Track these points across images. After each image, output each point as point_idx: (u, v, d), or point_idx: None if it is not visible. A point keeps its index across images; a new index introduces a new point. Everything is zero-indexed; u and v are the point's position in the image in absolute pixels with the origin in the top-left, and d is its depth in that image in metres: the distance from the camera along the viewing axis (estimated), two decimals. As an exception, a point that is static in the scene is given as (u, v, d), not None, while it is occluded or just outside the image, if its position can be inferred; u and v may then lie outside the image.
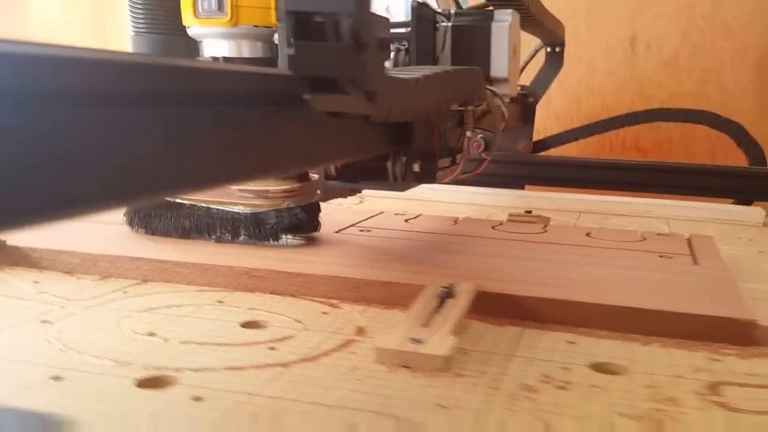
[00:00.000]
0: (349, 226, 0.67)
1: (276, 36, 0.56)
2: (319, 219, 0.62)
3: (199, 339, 0.41)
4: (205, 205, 0.61)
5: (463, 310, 0.42)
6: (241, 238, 0.59)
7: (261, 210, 0.59)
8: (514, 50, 0.57)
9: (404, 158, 0.52)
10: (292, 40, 0.31)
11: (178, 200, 0.62)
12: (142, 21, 0.62)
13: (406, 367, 0.37)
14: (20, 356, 0.38)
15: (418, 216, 0.75)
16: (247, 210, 0.59)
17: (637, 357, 0.40)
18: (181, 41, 0.59)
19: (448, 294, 0.44)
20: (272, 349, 0.40)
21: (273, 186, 0.59)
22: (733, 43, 1.17)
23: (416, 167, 0.52)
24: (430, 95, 0.41)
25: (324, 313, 0.47)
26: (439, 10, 0.57)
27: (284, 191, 0.59)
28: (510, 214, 0.75)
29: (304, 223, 0.59)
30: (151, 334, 0.42)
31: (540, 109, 1.14)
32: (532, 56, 1.14)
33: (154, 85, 0.24)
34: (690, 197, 1.00)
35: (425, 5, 0.57)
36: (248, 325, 0.44)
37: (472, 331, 0.44)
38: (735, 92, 1.18)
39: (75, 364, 0.37)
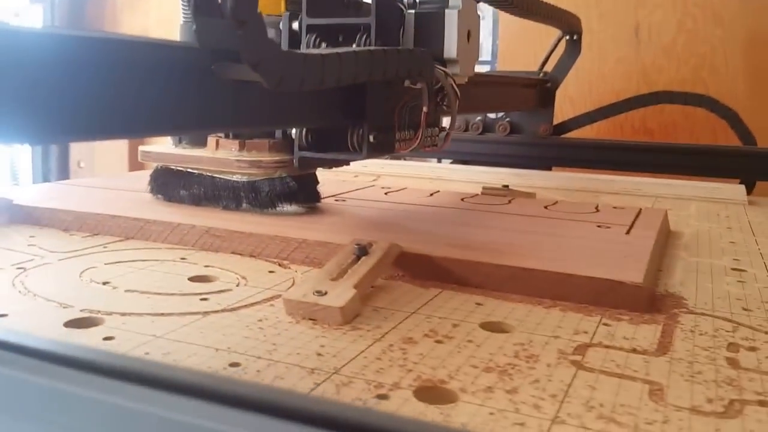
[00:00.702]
0: (329, 196, 0.68)
1: (281, 23, 0.58)
2: (318, 190, 0.63)
3: (145, 289, 0.43)
4: (210, 175, 0.63)
5: (372, 266, 0.43)
6: (244, 206, 0.61)
7: (256, 179, 0.61)
8: (468, 34, 0.58)
9: (361, 130, 0.54)
10: (195, 17, 0.33)
11: (189, 169, 0.64)
12: (188, 10, 0.65)
13: (312, 319, 0.39)
14: (-19, 297, 0.41)
15: (402, 189, 0.76)
16: (244, 179, 0.61)
17: (531, 318, 0.40)
18: None
19: (363, 251, 0.45)
20: (204, 300, 0.42)
21: (267, 156, 0.61)
22: (724, 29, 1.13)
23: (371, 138, 0.53)
24: (347, 69, 0.42)
25: (271, 271, 0.49)
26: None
27: (277, 162, 0.61)
28: (484, 188, 0.75)
29: (298, 192, 0.61)
30: (105, 283, 0.44)
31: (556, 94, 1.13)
32: (555, 45, 1.13)
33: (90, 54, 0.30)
34: (697, 177, 0.99)
35: None
36: (196, 279, 0.46)
37: (396, 291, 0.45)
38: (727, 76, 1.14)
39: (25, 305, 0.40)
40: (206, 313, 0.39)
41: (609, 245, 0.51)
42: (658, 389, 0.31)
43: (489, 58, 1.42)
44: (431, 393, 0.30)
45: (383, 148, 0.55)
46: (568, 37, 1.10)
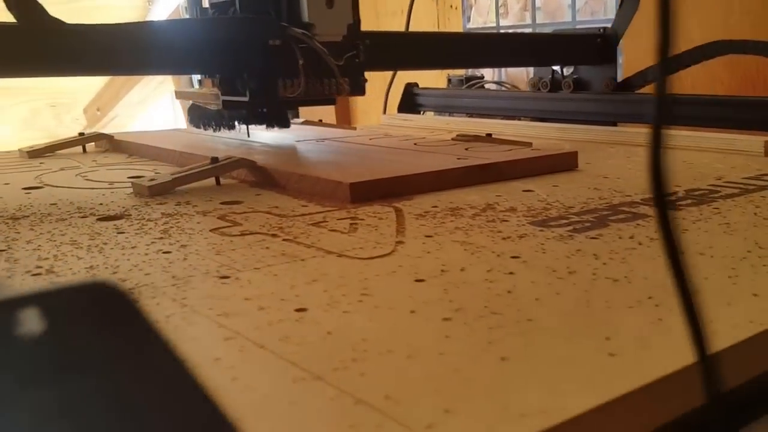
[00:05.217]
0: (313, 140, 0.90)
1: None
2: (287, 117, 0.84)
3: (97, 179, 0.71)
4: (205, 106, 0.87)
5: (205, 169, 0.65)
6: (220, 129, 0.85)
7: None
8: (331, 2, 0.74)
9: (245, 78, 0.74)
10: None
11: (198, 103, 0.89)
12: None
13: (139, 194, 0.63)
14: None
15: (384, 137, 0.93)
16: (216, 108, 0.84)
17: (272, 202, 0.59)
18: None
19: (215, 160, 0.67)
20: (111, 184, 0.68)
21: None
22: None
23: (252, 84, 0.74)
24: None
25: (187, 176, 0.73)
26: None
27: None
28: (457, 135, 0.89)
29: (263, 118, 0.81)
30: (83, 176, 0.73)
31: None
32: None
33: None
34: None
35: None
36: (134, 176, 0.72)
37: (226, 187, 0.66)
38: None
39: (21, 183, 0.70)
40: (94, 189, 0.65)
41: (408, 166, 0.65)
42: (229, 223, 0.50)
43: (570, 19, 1.46)
44: (109, 222, 0.53)
45: (265, 93, 0.74)
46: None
